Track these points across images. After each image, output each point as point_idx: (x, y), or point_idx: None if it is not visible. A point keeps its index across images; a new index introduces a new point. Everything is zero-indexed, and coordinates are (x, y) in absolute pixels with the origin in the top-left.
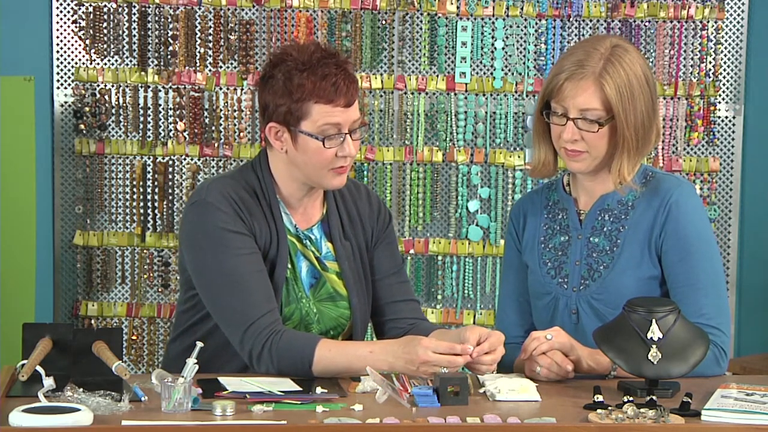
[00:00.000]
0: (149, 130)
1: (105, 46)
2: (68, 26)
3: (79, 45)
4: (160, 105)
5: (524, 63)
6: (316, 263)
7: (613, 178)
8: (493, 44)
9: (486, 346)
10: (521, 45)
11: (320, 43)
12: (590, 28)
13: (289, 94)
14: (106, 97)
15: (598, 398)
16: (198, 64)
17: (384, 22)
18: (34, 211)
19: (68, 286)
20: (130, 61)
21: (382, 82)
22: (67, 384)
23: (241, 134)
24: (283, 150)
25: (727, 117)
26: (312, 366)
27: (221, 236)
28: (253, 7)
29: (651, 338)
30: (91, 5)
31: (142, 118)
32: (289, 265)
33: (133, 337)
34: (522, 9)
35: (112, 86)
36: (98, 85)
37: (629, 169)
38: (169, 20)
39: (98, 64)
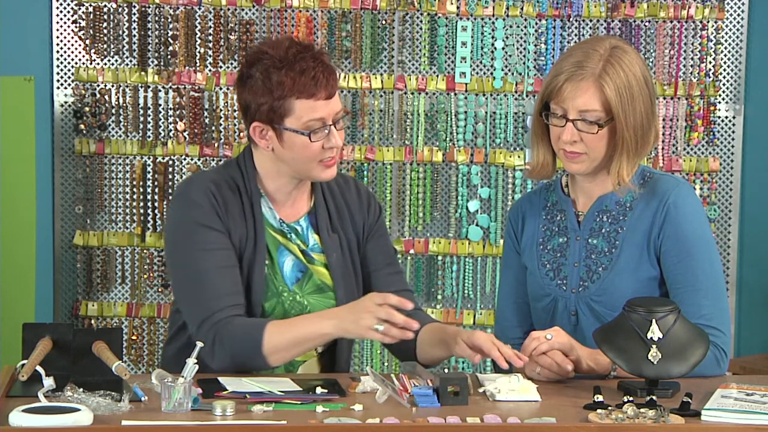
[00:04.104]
0: (149, 130)
1: (105, 46)
2: (68, 26)
3: (79, 45)
4: (160, 105)
5: (524, 63)
6: (302, 256)
7: (612, 179)
8: (493, 44)
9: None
10: (521, 45)
11: (294, 38)
12: (590, 28)
13: (270, 93)
14: (106, 97)
15: (598, 398)
16: (198, 64)
17: (384, 22)
18: (34, 211)
19: (68, 286)
20: (130, 61)
21: (382, 82)
22: (67, 384)
23: (241, 134)
24: (269, 148)
25: (727, 117)
26: (263, 346)
27: (193, 231)
28: (253, 7)
29: (651, 338)
30: (91, 5)
31: (142, 118)
32: (268, 261)
33: (133, 337)
34: (522, 9)
35: (112, 86)
36: (98, 85)
37: (628, 170)
38: (169, 20)
39: (98, 64)
